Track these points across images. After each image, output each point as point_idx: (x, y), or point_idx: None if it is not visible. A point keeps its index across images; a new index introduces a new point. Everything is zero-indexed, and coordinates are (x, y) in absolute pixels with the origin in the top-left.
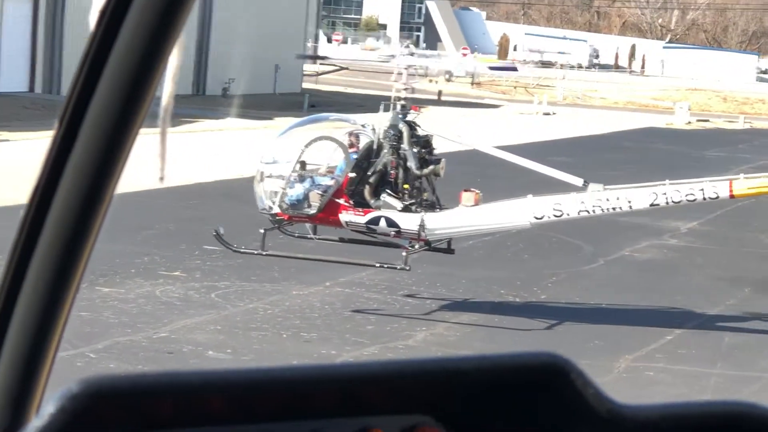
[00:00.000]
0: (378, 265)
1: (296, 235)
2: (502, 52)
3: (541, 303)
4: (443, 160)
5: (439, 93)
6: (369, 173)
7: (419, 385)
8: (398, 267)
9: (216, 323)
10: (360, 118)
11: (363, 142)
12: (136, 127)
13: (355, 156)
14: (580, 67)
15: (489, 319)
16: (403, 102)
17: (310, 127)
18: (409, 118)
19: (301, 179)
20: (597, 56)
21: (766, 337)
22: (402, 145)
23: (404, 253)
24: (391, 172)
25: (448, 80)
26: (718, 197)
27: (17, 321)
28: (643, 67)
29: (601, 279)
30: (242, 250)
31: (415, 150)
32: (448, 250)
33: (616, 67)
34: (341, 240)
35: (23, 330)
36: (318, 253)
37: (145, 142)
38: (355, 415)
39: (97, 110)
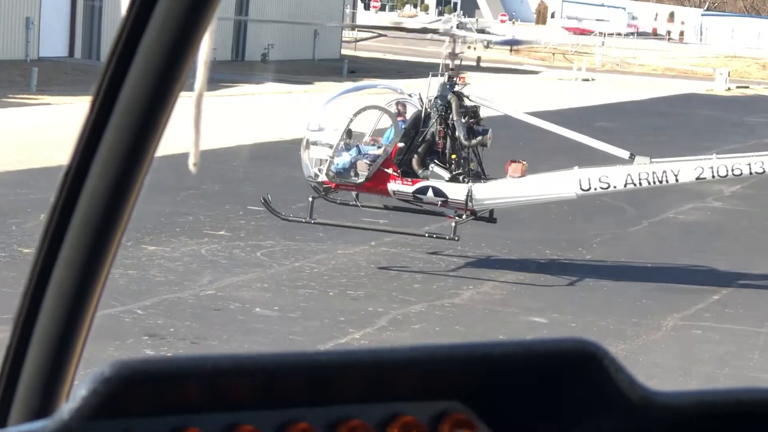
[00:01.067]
0: (427, 234)
1: (338, 201)
2: (540, 18)
3: (587, 262)
4: (490, 130)
5: (478, 59)
6: (417, 143)
7: (449, 371)
8: (447, 237)
9: (262, 281)
10: (407, 86)
11: (410, 111)
12: (171, 105)
13: (403, 125)
14: (618, 35)
15: (535, 278)
16: (451, 72)
17: (357, 95)
18: (456, 88)
19: (348, 148)
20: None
21: None
22: (450, 115)
23: (452, 223)
24: (439, 142)
25: (487, 47)
26: (765, 172)
27: (48, 304)
28: (681, 34)
29: (646, 240)
30: (291, 218)
31: (463, 120)
32: (491, 219)
33: (655, 34)
34: (386, 207)
35: (54, 313)
36: (363, 221)
37: (185, 104)
38: (385, 401)
39: (131, 88)
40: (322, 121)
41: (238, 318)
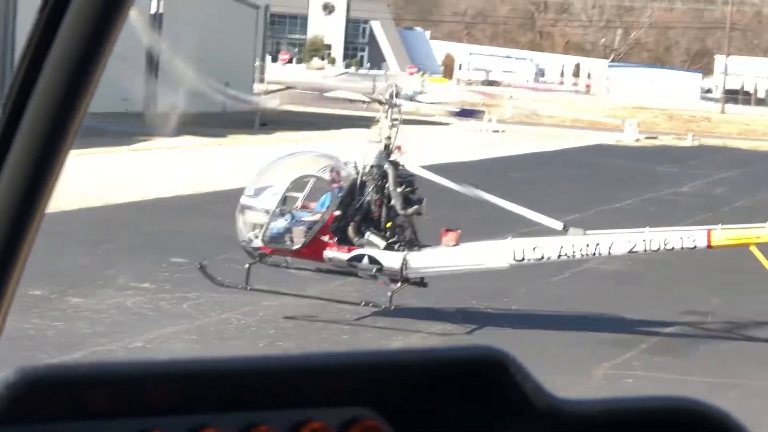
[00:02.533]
0: (363, 304)
1: (268, 263)
2: (447, 71)
3: (513, 312)
4: (425, 199)
5: None
6: (353, 211)
7: (360, 378)
8: (383, 306)
9: (190, 333)
10: (342, 154)
11: (345, 179)
12: (72, 135)
13: (340, 193)
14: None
15: (461, 329)
16: (387, 141)
17: (292, 162)
18: (393, 156)
19: (284, 214)
20: (542, 75)
21: (740, 344)
22: (386, 184)
23: (389, 293)
24: (375, 210)
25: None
26: (695, 247)
27: None
28: (588, 86)
29: (570, 290)
30: (227, 284)
31: (399, 190)
32: (422, 284)
33: (561, 85)
34: (318, 270)
35: None
36: (301, 287)
37: (94, 161)
38: (296, 407)
39: (32, 118)
40: (257, 186)
41: None
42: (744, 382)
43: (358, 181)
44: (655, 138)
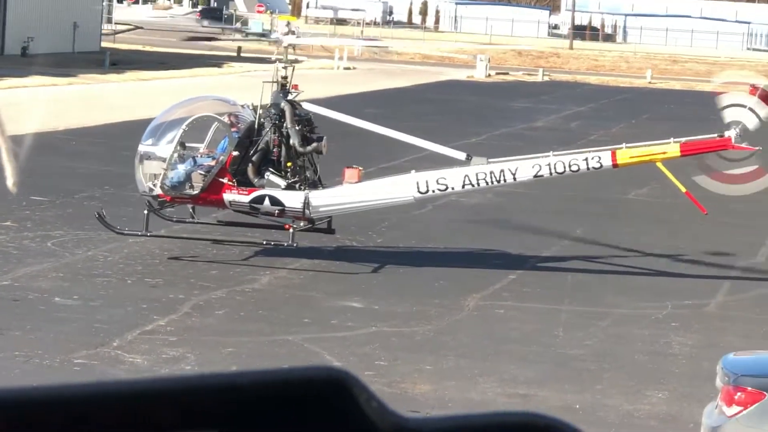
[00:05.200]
0: (265, 242)
1: (174, 219)
2: (295, 9)
3: (378, 247)
4: (325, 137)
5: (239, 49)
6: (251, 152)
7: (204, 401)
8: (285, 244)
9: (57, 270)
10: (237, 97)
11: (243, 122)
12: None
13: (237, 135)
14: (375, 24)
15: (329, 265)
16: (283, 80)
17: (189, 108)
18: (290, 96)
19: (182, 159)
20: (391, 13)
21: (606, 276)
22: (284, 124)
23: (291, 230)
24: (274, 150)
25: (245, 36)
26: (601, 167)
27: None
28: (437, 22)
29: (434, 224)
30: (126, 232)
31: (297, 128)
32: (329, 230)
33: (410, 23)
34: (219, 223)
35: None
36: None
37: None
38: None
39: None
40: (153, 134)
41: (39, 308)
42: (613, 310)
43: (257, 123)
44: (506, 74)
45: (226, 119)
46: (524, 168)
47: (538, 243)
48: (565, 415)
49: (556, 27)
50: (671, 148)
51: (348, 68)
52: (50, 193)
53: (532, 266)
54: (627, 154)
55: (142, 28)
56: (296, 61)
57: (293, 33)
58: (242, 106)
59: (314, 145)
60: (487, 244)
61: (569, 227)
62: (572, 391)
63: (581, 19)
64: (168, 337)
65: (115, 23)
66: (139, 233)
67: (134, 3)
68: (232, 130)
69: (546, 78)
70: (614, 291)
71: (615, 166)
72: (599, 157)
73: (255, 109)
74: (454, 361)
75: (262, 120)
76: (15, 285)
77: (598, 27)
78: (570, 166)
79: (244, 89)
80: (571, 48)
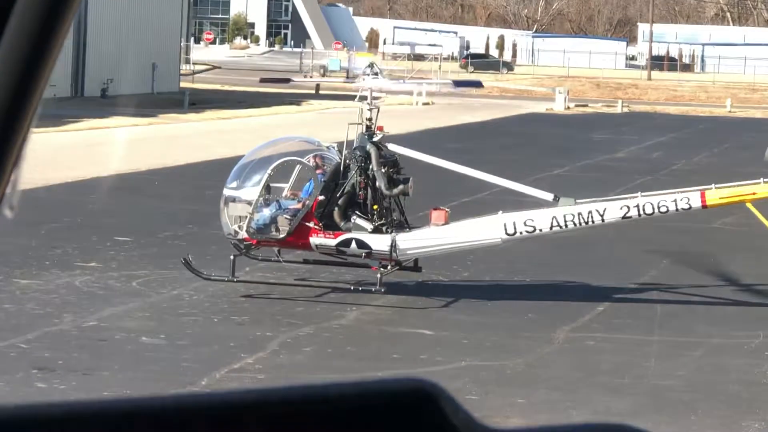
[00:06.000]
0: (352, 288)
1: (260, 258)
2: (372, 46)
3: (465, 281)
4: (411, 179)
5: (317, 87)
6: (337, 195)
7: (288, 412)
8: (373, 290)
9: (143, 310)
10: (322, 139)
11: (328, 164)
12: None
13: (323, 178)
14: (453, 58)
15: (416, 300)
16: (368, 122)
17: (273, 150)
18: (375, 138)
19: (268, 203)
20: (468, 47)
21: (696, 306)
22: (370, 166)
23: (378, 275)
24: (360, 193)
25: (323, 75)
26: (690, 208)
27: None
28: (514, 56)
29: (518, 255)
30: (213, 278)
31: (383, 170)
32: (416, 269)
33: (486, 57)
34: (306, 261)
35: None
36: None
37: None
38: None
39: None
40: (239, 177)
41: (126, 348)
42: (705, 340)
43: (342, 165)
44: (585, 106)
45: (311, 161)
46: (612, 209)
47: (625, 274)
48: None
49: (633, 58)
50: (761, 188)
51: (427, 103)
52: (134, 233)
53: (621, 297)
54: (716, 195)
55: (220, 67)
56: (378, 99)
57: (377, 74)
58: (327, 147)
59: (401, 187)
60: (574, 275)
61: (655, 257)
62: (666, 422)
63: (658, 50)
64: (256, 374)
65: (194, 63)
66: (226, 279)
67: (211, 43)
68: (318, 172)
69: (625, 109)
70: (705, 320)
71: (704, 207)
72: (688, 198)
73: (340, 150)
74: (546, 394)
75: (347, 162)
76: (102, 325)
77: (676, 57)
78: (659, 207)
79: (324, 127)
80: (649, 79)
